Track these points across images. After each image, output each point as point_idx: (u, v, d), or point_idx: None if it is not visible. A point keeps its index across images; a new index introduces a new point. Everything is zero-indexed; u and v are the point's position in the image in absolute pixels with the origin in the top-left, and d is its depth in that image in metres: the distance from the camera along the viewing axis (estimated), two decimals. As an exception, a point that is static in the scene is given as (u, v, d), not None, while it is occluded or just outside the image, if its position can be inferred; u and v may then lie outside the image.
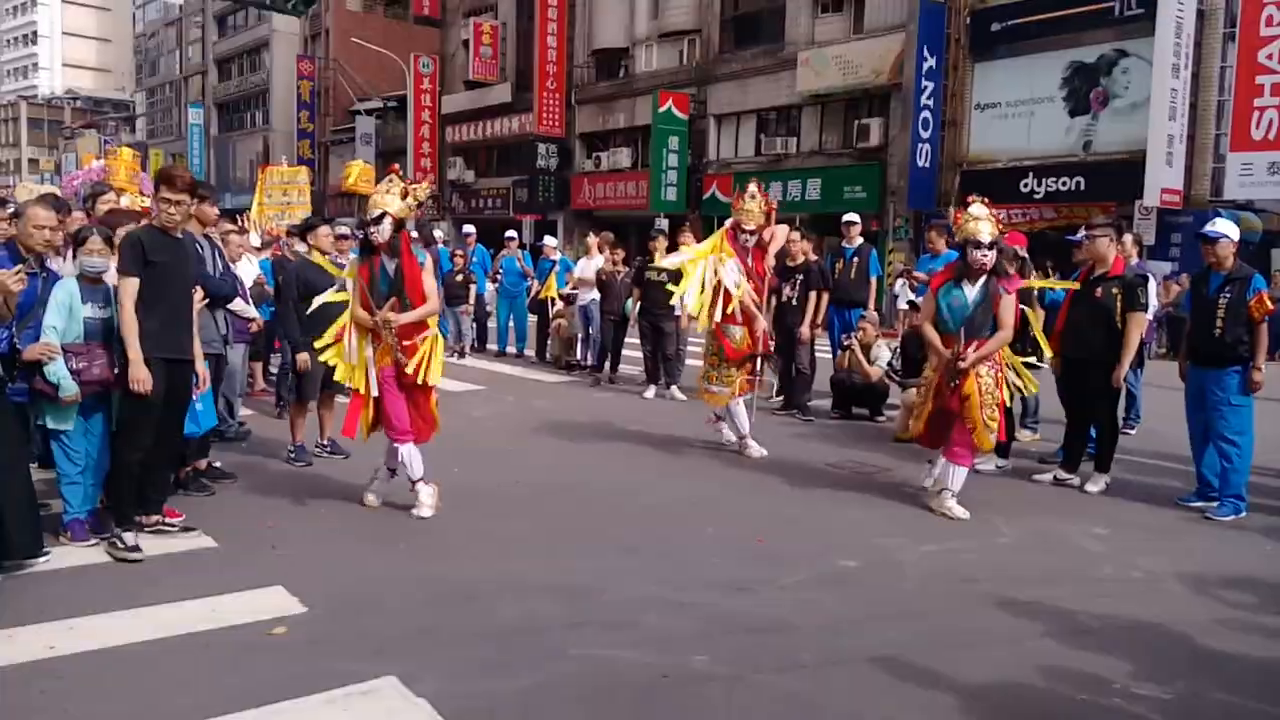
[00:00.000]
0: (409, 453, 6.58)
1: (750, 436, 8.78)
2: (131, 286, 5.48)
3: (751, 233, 8.55)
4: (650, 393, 12.13)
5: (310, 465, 7.93)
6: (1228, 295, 7.13)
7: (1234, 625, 4.95)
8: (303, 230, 8.87)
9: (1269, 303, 7.00)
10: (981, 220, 6.78)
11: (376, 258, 6.46)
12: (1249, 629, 4.94)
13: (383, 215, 6.37)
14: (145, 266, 5.50)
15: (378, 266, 6.46)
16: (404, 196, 6.49)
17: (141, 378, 5.42)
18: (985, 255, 6.77)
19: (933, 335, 7.00)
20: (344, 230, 10.06)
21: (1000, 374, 6.91)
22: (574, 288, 13.89)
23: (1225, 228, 7.28)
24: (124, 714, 3.71)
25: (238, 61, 59.69)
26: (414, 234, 13.32)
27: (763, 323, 8.72)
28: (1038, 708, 4.05)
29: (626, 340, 13.18)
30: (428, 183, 7.18)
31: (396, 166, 7.06)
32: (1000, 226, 6.99)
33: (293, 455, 8.05)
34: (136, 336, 5.45)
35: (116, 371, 5.61)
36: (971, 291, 6.84)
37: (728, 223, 8.75)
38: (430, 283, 6.63)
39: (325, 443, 8.35)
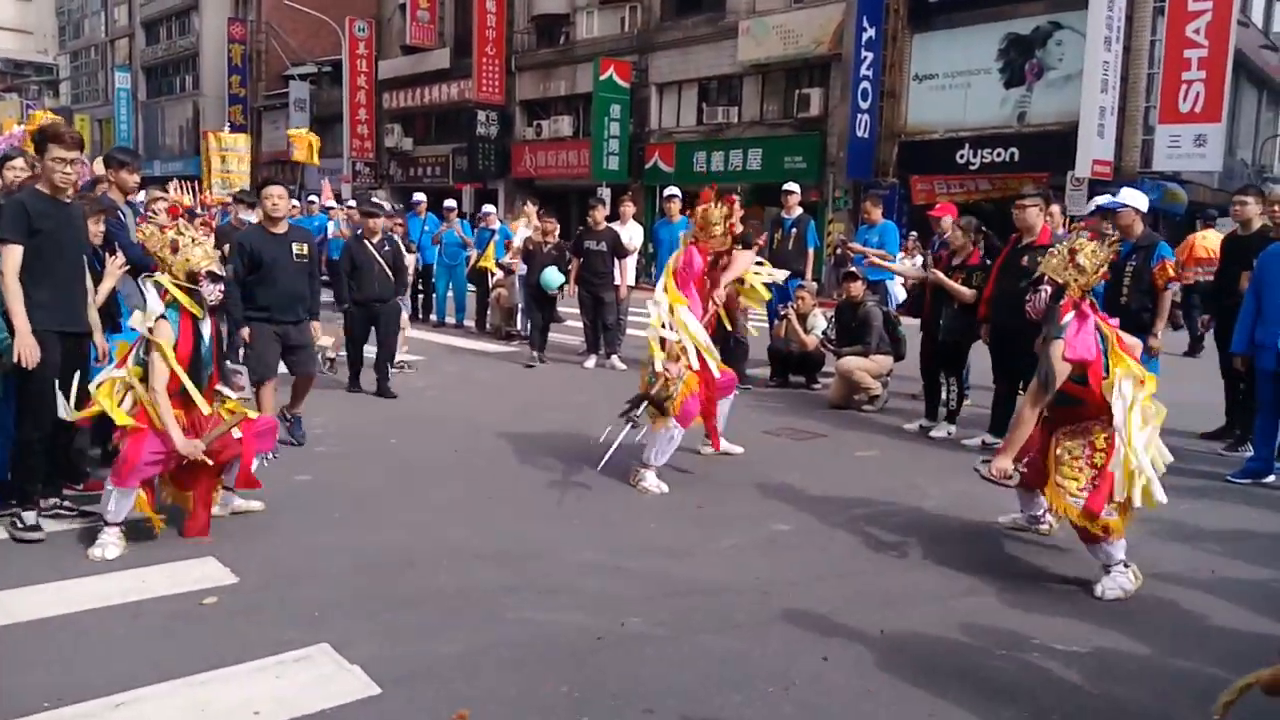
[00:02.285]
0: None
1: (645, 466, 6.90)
2: (14, 254, 5.08)
3: (714, 260, 7.14)
4: (590, 362, 12.13)
5: (302, 444, 7.63)
6: (1133, 263, 7.29)
7: (1152, 582, 5.08)
8: (257, 191, 8.17)
9: (1171, 270, 7.15)
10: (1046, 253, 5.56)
11: (193, 320, 5.38)
12: (1166, 585, 5.08)
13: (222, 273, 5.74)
14: (31, 235, 5.13)
15: (197, 332, 5.39)
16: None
17: (28, 346, 5.05)
18: (1030, 299, 5.49)
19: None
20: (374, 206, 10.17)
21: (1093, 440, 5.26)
22: (513, 257, 13.79)
23: (1128, 197, 7.46)
24: (53, 684, 3.66)
25: (166, 24, 58.16)
26: (352, 203, 13.06)
27: (681, 364, 6.76)
28: (957, 661, 4.15)
29: (563, 310, 13.15)
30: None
31: (177, 209, 5.98)
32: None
33: (288, 427, 7.64)
34: (22, 306, 5.06)
35: None
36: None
37: (683, 235, 7.46)
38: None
39: (289, 417, 7.78)
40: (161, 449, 5.18)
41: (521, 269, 13.24)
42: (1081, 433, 5.11)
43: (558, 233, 12.70)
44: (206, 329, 5.45)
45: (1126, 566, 4.98)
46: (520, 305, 14.07)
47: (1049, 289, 5.27)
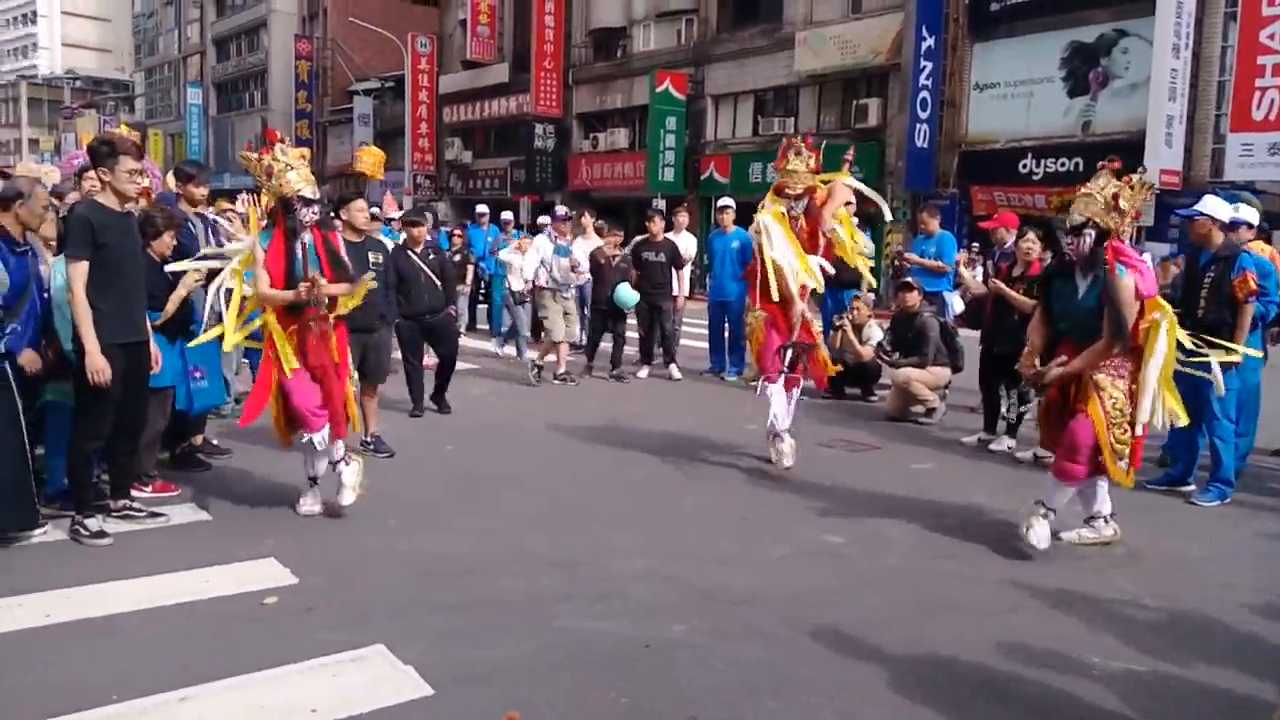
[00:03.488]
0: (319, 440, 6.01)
1: (782, 438, 7.40)
2: (83, 270, 5.18)
3: (798, 197, 7.24)
4: (644, 372, 12.13)
5: (393, 455, 7.67)
6: (1212, 273, 6.96)
7: (1214, 602, 5.01)
8: (336, 205, 8.22)
9: (1252, 283, 6.81)
10: (1078, 199, 5.55)
11: (298, 240, 5.88)
12: (1228, 606, 4.99)
13: (319, 198, 5.95)
14: (96, 248, 5.22)
15: (305, 247, 5.89)
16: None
17: (100, 368, 5.20)
18: (1070, 244, 5.56)
19: (1037, 340, 5.86)
20: (375, 210, 9.92)
21: (1132, 388, 5.56)
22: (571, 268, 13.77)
23: (1207, 205, 7.16)
24: (118, 679, 3.79)
25: (235, 41, 59.45)
26: (376, 210, 13.00)
27: (799, 307, 7.20)
28: (1002, 677, 4.12)
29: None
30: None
31: (275, 131, 6.39)
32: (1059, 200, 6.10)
33: (369, 444, 7.73)
34: (91, 324, 5.19)
35: (52, 356, 5.52)
36: (1082, 288, 5.61)
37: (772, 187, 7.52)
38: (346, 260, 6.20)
39: (369, 439, 7.79)
40: (312, 389, 5.90)
41: (580, 279, 13.26)
42: (1118, 377, 5.49)
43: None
44: (301, 250, 5.81)
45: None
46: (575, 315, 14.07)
47: (1092, 233, 5.40)
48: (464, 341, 12.59)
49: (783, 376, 7.27)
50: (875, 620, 4.66)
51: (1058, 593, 5.10)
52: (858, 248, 7.77)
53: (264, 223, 5.96)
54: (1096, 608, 4.92)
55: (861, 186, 7.72)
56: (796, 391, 7.67)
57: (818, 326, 7.58)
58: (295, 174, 5.77)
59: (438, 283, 9.27)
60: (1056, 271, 5.83)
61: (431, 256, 9.34)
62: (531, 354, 12.08)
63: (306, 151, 6.14)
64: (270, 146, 5.85)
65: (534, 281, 11.35)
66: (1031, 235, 8.42)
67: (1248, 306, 6.86)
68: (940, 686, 4.01)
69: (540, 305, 11.63)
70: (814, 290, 7.45)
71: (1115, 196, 5.36)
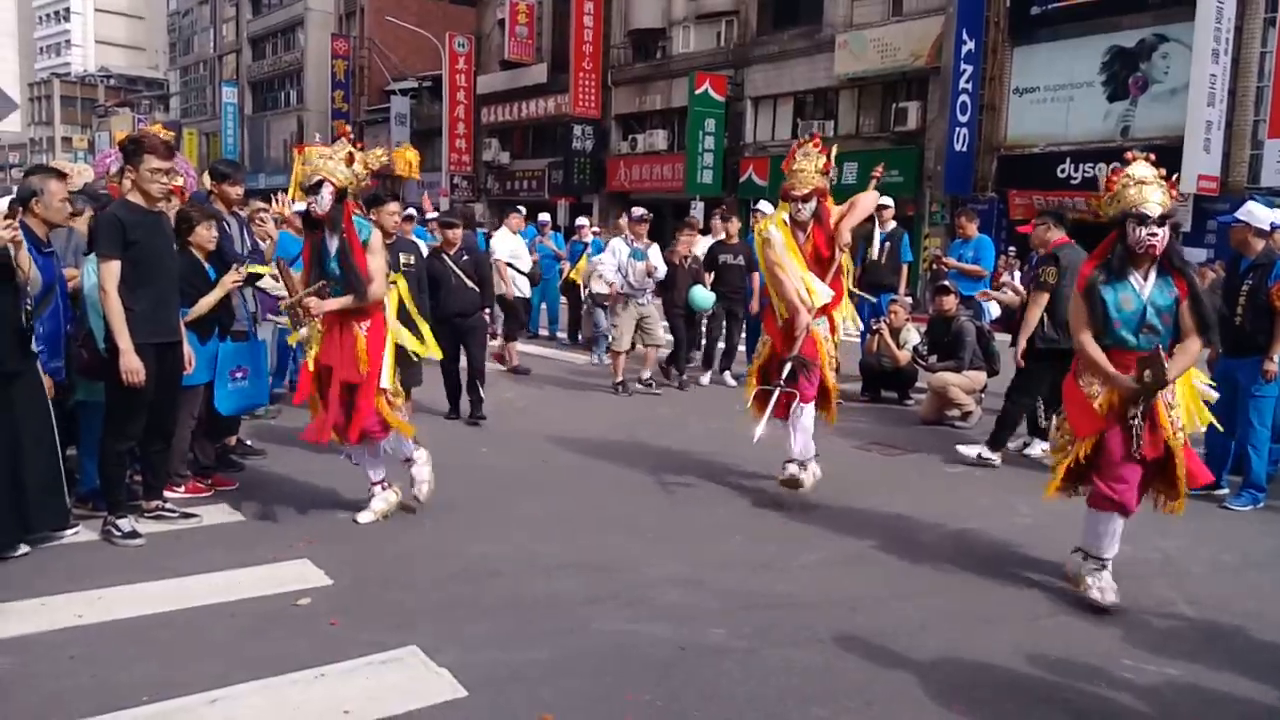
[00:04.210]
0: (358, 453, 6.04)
1: (795, 462, 6.70)
2: (115, 270, 5.14)
3: (804, 199, 6.50)
4: (706, 378, 11.84)
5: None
6: (1250, 281, 6.88)
7: (1247, 608, 4.93)
8: (367, 205, 8.07)
9: None
10: (1149, 185, 4.87)
11: (319, 234, 5.74)
12: (1262, 612, 4.92)
13: (321, 183, 5.56)
14: (127, 247, 5.19)
15: (319, 244, 5.73)
16: (350, 163, 5.67)
17: (134, 368, 5.16)
18: (1154, 236, 4.76)
19: (1098, 354, 4.93)
20: (411, 211, 9.68)
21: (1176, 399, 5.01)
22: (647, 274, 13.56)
23: (1246, 211, 7.06)
24: (151, 680, 3.80)
25: (271, 40, 59.85)
26: (412, 211, 12.85)
27: (805, 318, 6.42)
28: (1041, 683, 4.08)
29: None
30: (382, 150, 6.26)
31: (346, 127, 6.40)
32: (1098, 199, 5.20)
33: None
34: (125, 324, 5.16)
35: (87, 357, 5.53)
36: (1147, 287, 4.90)
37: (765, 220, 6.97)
38: (375, 263, 5.79)
39: None
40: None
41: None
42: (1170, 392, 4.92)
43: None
44: (333, 245, 5.68)
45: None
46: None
47: (1169, 228, 4.86)
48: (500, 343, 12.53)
49: (779, 390, 6.47)
50: (912, 626, 4.62)
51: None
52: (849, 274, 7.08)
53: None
54: (1132, 614, 4.85)
55: (857, 217, 6.79)
56: (809, 409, 6.67)
57: (829, 349, 6.73)
58: (325, 161, 5.64)
59: (470, 285, 9.06)
60: (1102, 277, 4.92)
61: (465, 259, 9.13)
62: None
63: (376, 153, 5.98)
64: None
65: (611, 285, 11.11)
66: (1046, 219, 8.34)
67: None
68: (977, 692, 3.97)
69: (611, 312, 11.44)
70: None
71: (1172, 186, 4.93)
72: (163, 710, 3.60)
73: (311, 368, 5.84)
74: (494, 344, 11.74)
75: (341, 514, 6.10)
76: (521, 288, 13.00)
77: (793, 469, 6.63)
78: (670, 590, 4.99)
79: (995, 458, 7.99)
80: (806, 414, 6.62)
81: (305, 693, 3.77)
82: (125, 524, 5.45)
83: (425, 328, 7.05)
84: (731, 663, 4.15)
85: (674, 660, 4.16)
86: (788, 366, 6.41)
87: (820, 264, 6.57)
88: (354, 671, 3.95)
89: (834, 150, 6.71)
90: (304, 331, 5.75)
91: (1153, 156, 5.07)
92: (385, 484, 6.09)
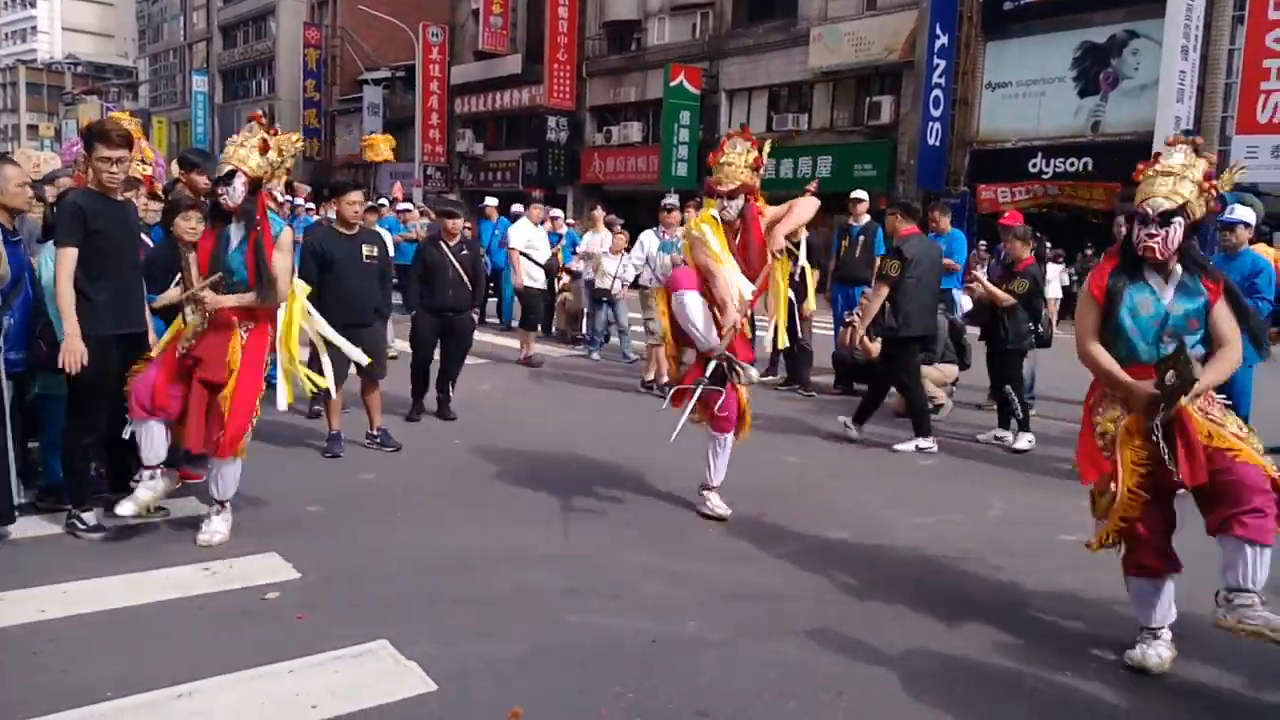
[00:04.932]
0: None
1: (715, 490, 6.29)
2: (70, 258, 5.01)
3: (729, 196, 5.86)
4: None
5: (339, 457, 7.30)
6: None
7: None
8: (330, 193, 7.76)
9: None
10: (1161, 178, 4.16)
11: (221, 225, 5.35)
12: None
13: (233, 173, 5.22)
14: (88, 235, 5.06)
15: (222, 235, 5.34)
16: (264, 151, 5.31)
17: (74, 350, 4.97)
18: (1153, 237, 4.09)
19: (1114, 367, 4.18)
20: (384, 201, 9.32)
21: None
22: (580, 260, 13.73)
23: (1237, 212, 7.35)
24: (118, 675, 3.74)
25: (243, 28, 59.26)
26: (384, 201, 12.65)
27: (733, 315, 5.71)
28: (1012, 674, 4.09)
29: (632, 315, 13.07)
30: (297, 136, 5.79)
31: (259, 114, 5.74)
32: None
33: (325, 446, 7.43)
34: (72, 309, 4.99)
35: (46, 349, 5.35)
36: (1169, 290, 4.18)
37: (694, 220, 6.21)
38: (282, 262, 5.41)
39: (375, 433, 7.64)
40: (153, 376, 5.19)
41: (588, 274, 13.21)
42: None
43: (626, 239, 12.34)
44: (236, 237, 5.30)
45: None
46: (585, 309, 14.07)
47: (1182, 223, 4.07)
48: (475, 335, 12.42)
49: (694, 399, 5.84)
50: (886, 617, 4.64)
51: (1068, 591, 5.06)
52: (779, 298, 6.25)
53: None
54: (1101, 605, 4.85)
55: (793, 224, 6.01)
56: (728, 438, 6.21)
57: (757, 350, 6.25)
58: (236, 149, 5.29)
59: (466, 280, 8.69)
60: (1123, 281, 4.21)
61: (464, 252, 8.76)
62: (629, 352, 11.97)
63: (291, 138, 5.63)
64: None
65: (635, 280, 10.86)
66: (1013, 237, 8.54)
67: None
68: (947, 682, 3.98)
69: (644, 306, 11.22)
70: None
71: (1208, 177, 4.12)
72: (129, 705, 3.54)
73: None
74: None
75: (311, 507, 6.05)
76: (537, 279, 12.95)
77: (715, 501, 6.21)
78: (644, 582, 4.98)
79: (930, 444, 8.22)
80: (728, 443, 6.19)
81: (273, 687, 3.71)
82: (89, 517, 5.36)
83: (333, 346, 6.43)
84: (706, 655, 4.14)
85: (647, 653, 4.15)
86: (712, 365, 5.79)
87: (749, 266, 5.91)
88: (322, 665, 3.90)
89: (767, 146, 6.18)
90: (195, 320, 5.30)
91: (1199, 140, 4.30)
92: (160, 470, 5.33)
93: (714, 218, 5.93)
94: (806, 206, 6.02)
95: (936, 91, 24.20)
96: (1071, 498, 6.79)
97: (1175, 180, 4.10)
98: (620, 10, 33.77)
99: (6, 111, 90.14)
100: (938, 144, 24.35)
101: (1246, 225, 7.44)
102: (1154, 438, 3.95)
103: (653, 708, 3.68)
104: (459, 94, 41.30)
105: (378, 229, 10.13)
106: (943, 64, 24.20)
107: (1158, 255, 4.08)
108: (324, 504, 6.09)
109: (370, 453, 7.47)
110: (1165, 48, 20.05)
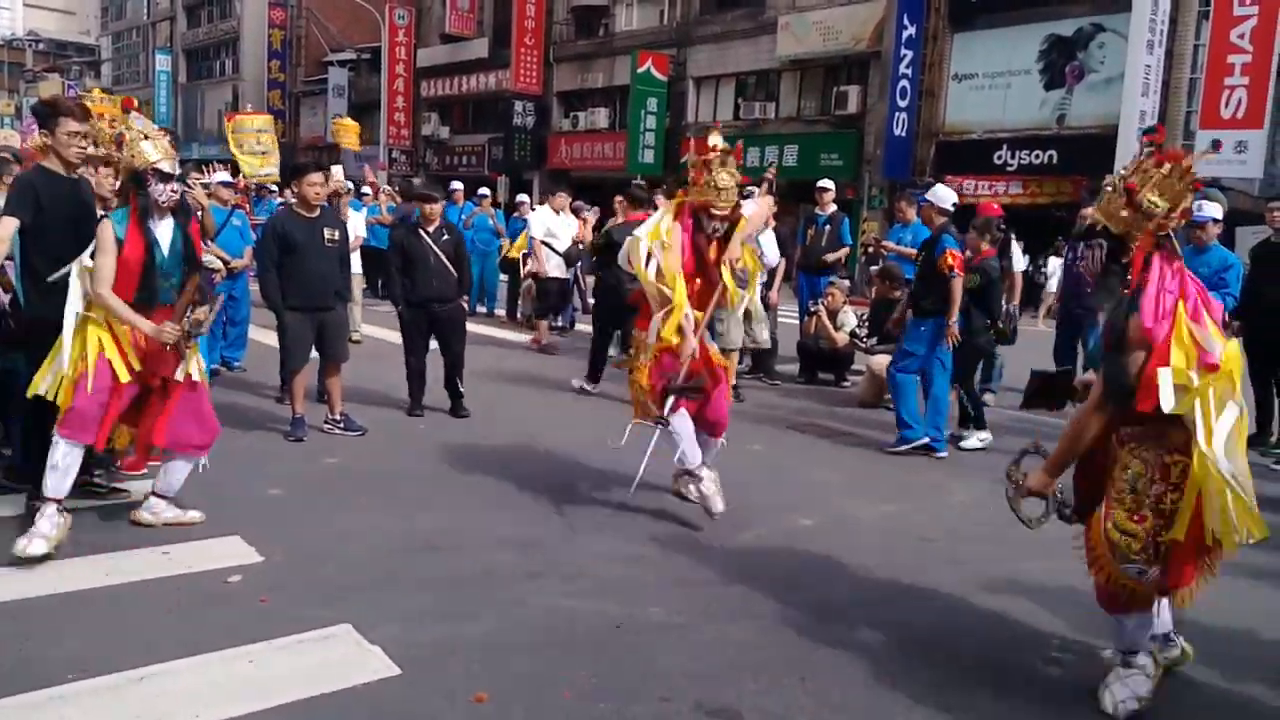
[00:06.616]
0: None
1: (698, 475, 5.85)
2: (10, 226, 4.86)
3: (723, 220, 5.66)
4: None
5: (302, 441, 7.25)
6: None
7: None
8: (291, 174, 7.60)
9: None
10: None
11: (154, 225, 4.99)
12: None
13: (177, 173, 5.04)
14: (38, 212, 4.94)
15: (154, 234, 4.96)
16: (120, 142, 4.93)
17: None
18: (1083, 257, 3.87)
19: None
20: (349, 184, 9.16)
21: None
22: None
23: (933, 193, 8.01)
24: (78, 657, 3.70)
25: (207, 7, 58.37)
26: (350, 184, 12.55)
27: (691, 344, 5.67)
28: (977, 657, 4.15)
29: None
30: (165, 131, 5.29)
31: (133, 99, 5.28)
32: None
33: (288, 430, 7.36)
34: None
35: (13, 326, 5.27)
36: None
37: (684, 199, 5.80)
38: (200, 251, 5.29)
39: (337, 418, 7.54)
40: (107, 383, 4.81)
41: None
42: (1153, 444, 3.57)
43: (592, 226, 12.30)
44: (165, 234, 5.01)
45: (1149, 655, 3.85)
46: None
47: (1103, 243, 3.67)
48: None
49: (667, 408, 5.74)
50: (848, 603, 4.68)
51: (1030, 576, 5.10)
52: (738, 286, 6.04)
53: (114, 203, 5.20)
54: (1064, 591, 4.82)
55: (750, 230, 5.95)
56: (678, 415, 5.88)
57: (727, 360, 6.07)
58: (150, 145, 4.90)
59: (450, 268, 8.23)
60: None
61: (445, 238, 8.25)
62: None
63: (274, 118, 5.57)
64: (126, 113, 5.00)
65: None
66: (971, 228, 8.54)
67: None
68: (917, 665, 4.02)
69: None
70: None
71: (1130, 188, 3.53)
72: (90, 688, 3.51)
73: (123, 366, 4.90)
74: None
75: (273, 490, 6.01)
76: (557, 267, 12.88)
77: (709, 488, 5.81)
78: (609, 566, 4.99)
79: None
80: (678, 420, 5.83)
81: (234, 671, 3.69)
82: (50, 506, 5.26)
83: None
84: (670, 638, 4.16)
85: (611, 636, 4.16)
86: (671, 398, 5.69)
87: (707, 271, 5.77)
88: (285, 649, 3.88)
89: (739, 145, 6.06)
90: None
91: (1160, 135, 3.86)
92: (60, 507, 4.83)
93: (670, 229, 5.68)
94: (760, 214, 5.98)
95: (903, 82, 24.29)
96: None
97: (1108, 197, 3.67)
98: (589, -5, 33.65)
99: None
100: (904, 134, 24.45)
101: (1216, 221, 7.53)
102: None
103: (616, 690, 3.69)
104: (425, 77, 40.99)
105: (350, 211, 10.06)
106: (910, 54, 24.29)
107: (1088, 277, 3.86)
108: (287, 488, 6.06)
109: (333, 437, 7.43)
110: (1131, 42, 20.24)
